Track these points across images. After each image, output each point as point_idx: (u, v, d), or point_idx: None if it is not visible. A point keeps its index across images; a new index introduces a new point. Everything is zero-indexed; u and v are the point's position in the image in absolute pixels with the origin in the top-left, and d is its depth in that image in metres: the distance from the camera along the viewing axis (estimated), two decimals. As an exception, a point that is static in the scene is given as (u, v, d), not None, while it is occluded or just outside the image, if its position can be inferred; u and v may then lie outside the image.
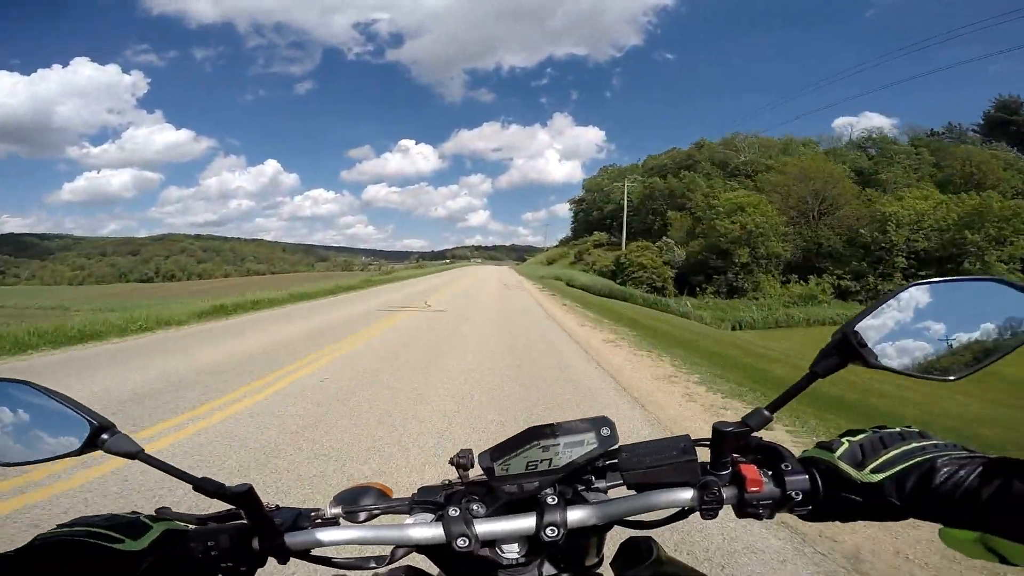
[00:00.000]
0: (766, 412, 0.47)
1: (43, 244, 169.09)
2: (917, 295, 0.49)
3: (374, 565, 0.53)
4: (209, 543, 0.50)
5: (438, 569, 0.55)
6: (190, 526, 0.53)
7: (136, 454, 0.50)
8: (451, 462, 0.56)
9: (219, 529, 0.51)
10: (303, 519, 0.55)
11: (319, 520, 0.55)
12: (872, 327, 0.47)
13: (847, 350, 0.46)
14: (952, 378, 0.47)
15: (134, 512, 0.52)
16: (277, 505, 0.56)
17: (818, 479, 0.45)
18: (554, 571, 0.51)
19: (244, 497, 0.48)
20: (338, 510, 0.56)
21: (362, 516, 0.56)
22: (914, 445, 0.43)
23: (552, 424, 0.51)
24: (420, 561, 0.57)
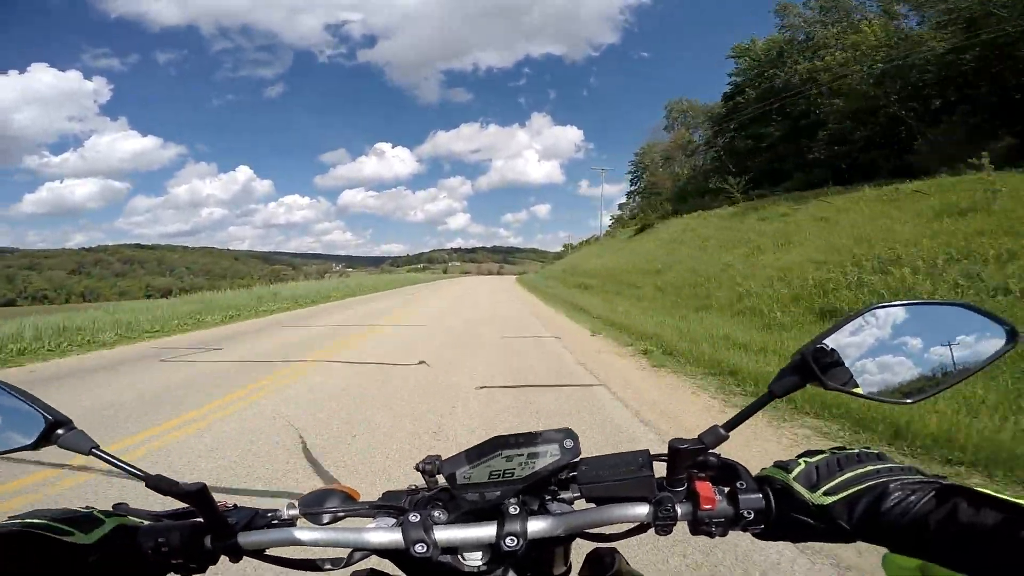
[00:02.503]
0: (722, 430, 0.47)
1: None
2: (878, 318, 0.49)
3: (330, 567, 0.53)
4: (160, 540, 0.50)
5: (402, 574, 0.55)
6: (144, 522, 0.53)
7: (90, 450, 0.51)
8: (417, 468, 0.56)
9: (171, 526, 0.52)
10: (259, 519, 0.55)
11: (276, 521, 0.55)
12: (830, 349, 0.48)
13: (805, 371, 0.47)
14: (910, 401, 0.48)
15: (88, 507, 0.52)
16: (234, 504, 0.56)
17: (771, 499, 0.46)
18: None
19: (197, 495, 0.48)
20: (295, 511, 0.56)
21: (325, 519, 0.56)
22: (869, 468, 0.43)
23: (518, 434, 0.51)
24: (386, 566, 0.56)
